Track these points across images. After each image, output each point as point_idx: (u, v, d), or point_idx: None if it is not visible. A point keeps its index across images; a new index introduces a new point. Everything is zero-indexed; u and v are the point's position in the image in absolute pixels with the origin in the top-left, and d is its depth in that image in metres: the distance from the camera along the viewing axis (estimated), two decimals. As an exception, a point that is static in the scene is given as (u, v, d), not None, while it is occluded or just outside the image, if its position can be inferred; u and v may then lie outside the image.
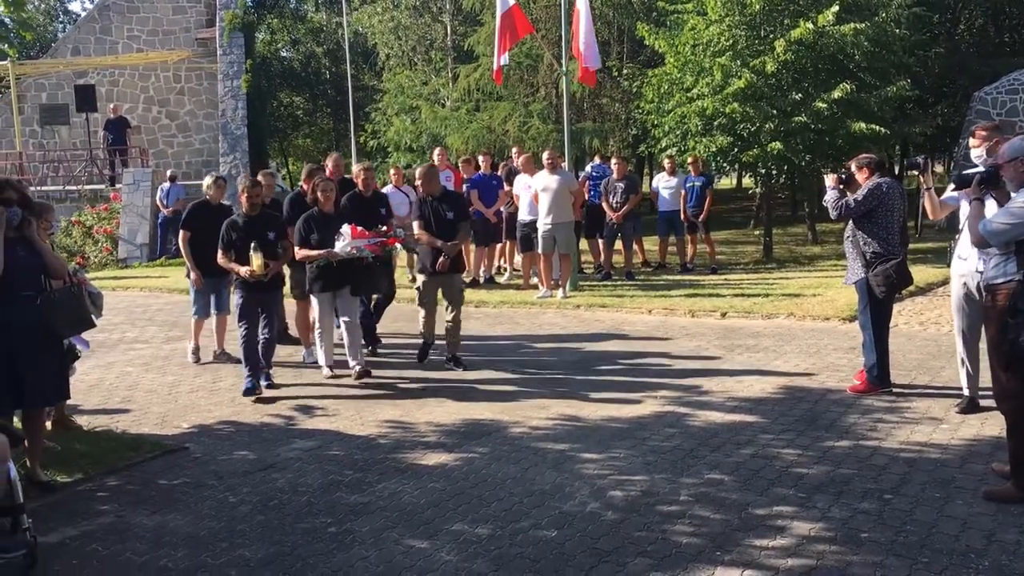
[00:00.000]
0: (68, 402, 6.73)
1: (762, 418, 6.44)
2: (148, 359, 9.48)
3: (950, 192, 6.28)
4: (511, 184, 13.38)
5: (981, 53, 21.71)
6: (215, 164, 23.74)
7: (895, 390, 6.94)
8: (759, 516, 4.70)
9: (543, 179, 11.96)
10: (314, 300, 8.21)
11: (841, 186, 6.86)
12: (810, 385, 7.28)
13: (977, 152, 6.02)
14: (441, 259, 8.20)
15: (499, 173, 14.11)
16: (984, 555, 4.14)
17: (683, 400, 7.00)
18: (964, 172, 5.35)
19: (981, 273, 5.77)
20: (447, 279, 8.38)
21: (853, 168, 6.92)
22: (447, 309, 8.41)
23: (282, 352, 8.81)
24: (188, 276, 9.19)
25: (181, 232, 8.98)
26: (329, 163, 9.85)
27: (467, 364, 8.34)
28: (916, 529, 4.45)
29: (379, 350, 9.29)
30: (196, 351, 9.25)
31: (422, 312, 8.56)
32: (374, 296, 9.25)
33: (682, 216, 14.15)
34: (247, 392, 7.56)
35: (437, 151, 14.25)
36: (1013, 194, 4.84)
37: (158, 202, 19.78)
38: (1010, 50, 22.38)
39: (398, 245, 8.55)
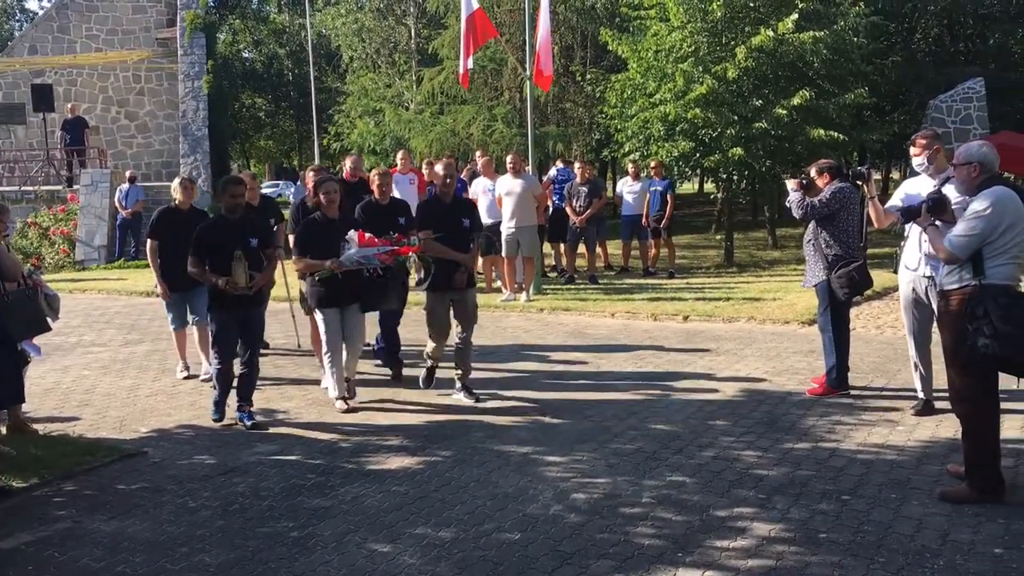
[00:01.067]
0: (24, 406, 6.64)
1: (723, 421, 6.50)
2: (106, 362, 9.35)
3: (894, 202, 6.38)
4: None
5: (936, 62, 22.12)
6: (175, 165, 23.49)
7: (852, 392, 7.05)
8: (720, 517, 4.74)
9: (507, 183, 11.99)
10: (318, 318, 7.18)
11: (801, 190, 6.96)
12: (770, 388, 7.37)
13: (919, 160, 6.11)
14: (459, 273, 7.17)
15: (463, 176, 14.11)
16: (939, 555, 4.21)
17: (645, 403, 7.04)
18: (908, 206, 5.47)
19: (931, 278, 5.90)
20: (461, 295, 7.28)
21: (813, 173, 7.02)
22: (458, 329, 7.37)
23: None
24: (156, 288, 8.42)
25: (148, 241, 8.24)
26: (348, 164, 9.27)
27: (480, 396, 7.33)
28: (873, 529, 4.52)
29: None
30: (186, 368, 8.54)
31: (431, 334, 7.40)
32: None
33: (644, 220, 14.26)
34: (215, 421, 6.85)
35: (401, 154, 14.21)
36: (962, 198, 4.97)
37: (116, 203, 19.50)
38: (964, 59, 22.82)
39: (412, 255, 7.14)
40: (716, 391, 7.33)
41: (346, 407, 7.04)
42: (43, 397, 7.82)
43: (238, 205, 6.67)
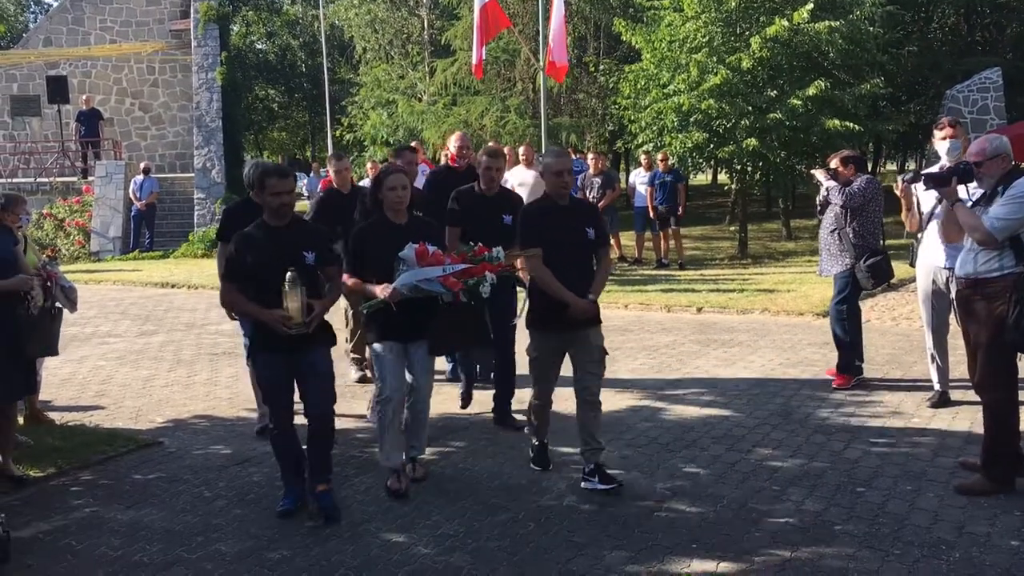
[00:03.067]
0: (40, 396, 6.69)
1: (737, 412, 6.49)
2: (122, 353, 9.40)
3: (921, 192, 6.29)
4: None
5: (953, 51, 21.93)
6: (189, 157, 23.54)
7: (870, 384, 7.02)
8: (734, 509, 4.74)
9: (520, 174, 11.94)
10: (372, 353, 5.33)
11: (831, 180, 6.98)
12: (784, 379, 7.35)
13: (948, 145, 5.89)
14: (575, 302, 4.95)
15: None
16: (955, 547, 4.20)
17: (659, 395, 7.03)
18: (934, 173, 5.16)
19: (950, 270, 5.84)
20: (576, 335, 5.06)
21: (836, 164, 7.00)
22: (579, 386, 5.11)
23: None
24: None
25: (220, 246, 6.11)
26: (453, 143, 7.03)
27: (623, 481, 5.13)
28: (888, 522, 4.51)
29: None
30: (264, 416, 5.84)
31: (534, 393, 5.33)
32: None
33: (650, 212, 14.24)
34: (282, 514, 4.83)
35: (414, 145, 14.22)
36: (977, 193, 4.90)
37: (131, 195, 19.59)
38: (981, 49, 22.63)
39: (489, 276, 4.99)
40: (730, 382, 7.32)
41: (399, 487, 5.05)
42: (60, 387, 7.87)
43: (284, 206, 4.70)
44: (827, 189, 7.02)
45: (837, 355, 7.12)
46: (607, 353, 5.25)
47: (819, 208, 7.22)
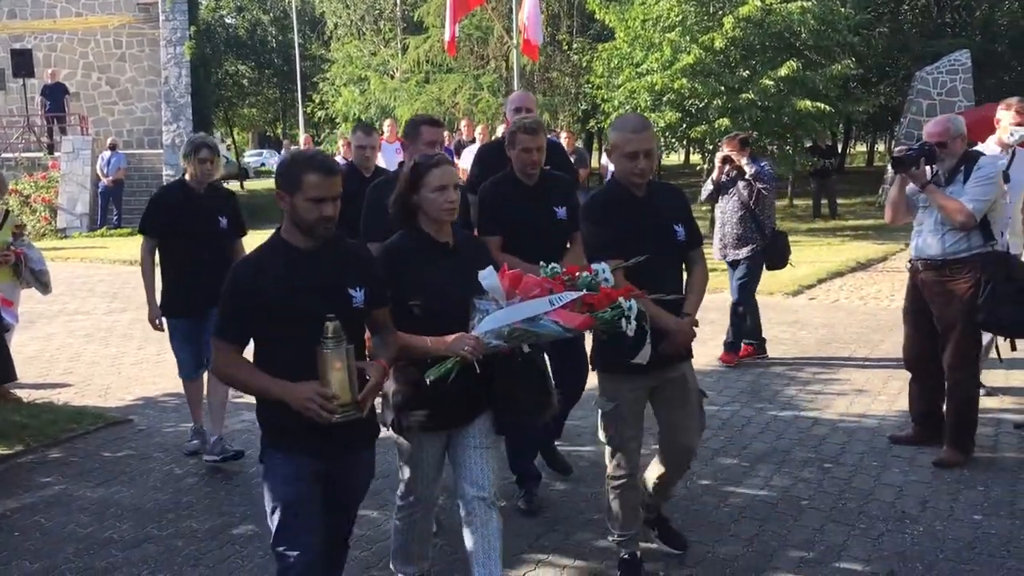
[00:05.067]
0: (7, 374, 6.61)
1: (707, 390, 6.52)
2: (90, 330, 9.31)
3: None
4: (459, 157, 13.36)
5: (923, 33, 22.12)
6: (158, 133, 23.25)
7: (834, 362, 7.12)
8: (704, 485, 4.79)
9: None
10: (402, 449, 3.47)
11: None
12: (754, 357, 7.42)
13: (1019, 134, 5.55)
14: (679, 326, 3.60)
15: (449, 146, 14.07)
16: (919, 521, 4.28)
17: (630, 372, 7.07)
18: (903, 156, 4.92)
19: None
20: (665, 375, 3.68)
21: (732, 149, 7.07)
22: (666, 444, 3.85)
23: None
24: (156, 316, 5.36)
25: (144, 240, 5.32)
26: (511, 107, 5.10)
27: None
28: (854, 497, 4.58)
29: None
30: (199, 432, 5.50)
31: (612, 466, 3.78)
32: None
33: None
34: None
35: (388, 123, 14.13)
36: (937, 173, 4.91)
37: (99, 171, 19.32)
38: (951, 31, 22.83)
39: (630, 305, 3.25)
40: (699, 360, 7.34)
41: None
42: (26, 365, 7.77)
43: (326, 221, 2.91)
44: (733, 171, 7.06)
45: (729, 333, 7.29)
46: (706, 396, 4.18)
47: (709, 194, 7.30)
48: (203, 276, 5.01)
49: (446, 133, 6.62)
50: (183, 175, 5.34)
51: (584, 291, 3.25)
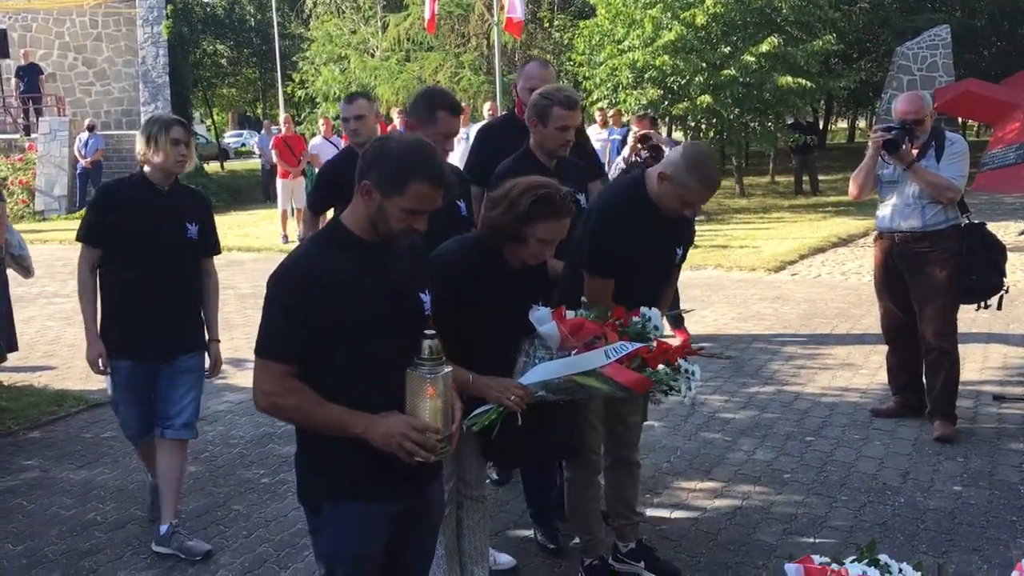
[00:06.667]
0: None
1: (689, 368, 6.56)
2: (69, 313, 9.23)
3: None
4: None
5: (903, 8, 22.13)
6: (136, 113, 23.00)
7: (817, 336, 7.16)
8: (687, 460, 4.82)
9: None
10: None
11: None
12: (737, 333, 7.45)
13: None
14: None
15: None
16: (899, 492, 4.32)
17: (614, 349, 7.09)
18: (890, 138, 4.91)
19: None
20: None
21: (642, 129, 7.12)
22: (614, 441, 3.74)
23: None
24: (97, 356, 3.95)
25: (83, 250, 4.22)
26: (523, 80, 4.42)
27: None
28: (836, 469, 4.62)
29: None
30: (156, 490, 4.15)
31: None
32: None
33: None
34: None
35: (321, 120, 13.98)
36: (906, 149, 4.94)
37: (76, 152, 19.11)
38: (931, 6, 22.86)
39: (689, 368, 3.28)
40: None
41: None
42: (6, 348, 7.72)
43: (413, 232, 2.38)
44: (645, 151, 7.09)
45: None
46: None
47: (622, 172, 7.25)
48: (163, 303, 3.84)
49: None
50: (139, 168, 4.07)
51: (639, 344, 2.92)
